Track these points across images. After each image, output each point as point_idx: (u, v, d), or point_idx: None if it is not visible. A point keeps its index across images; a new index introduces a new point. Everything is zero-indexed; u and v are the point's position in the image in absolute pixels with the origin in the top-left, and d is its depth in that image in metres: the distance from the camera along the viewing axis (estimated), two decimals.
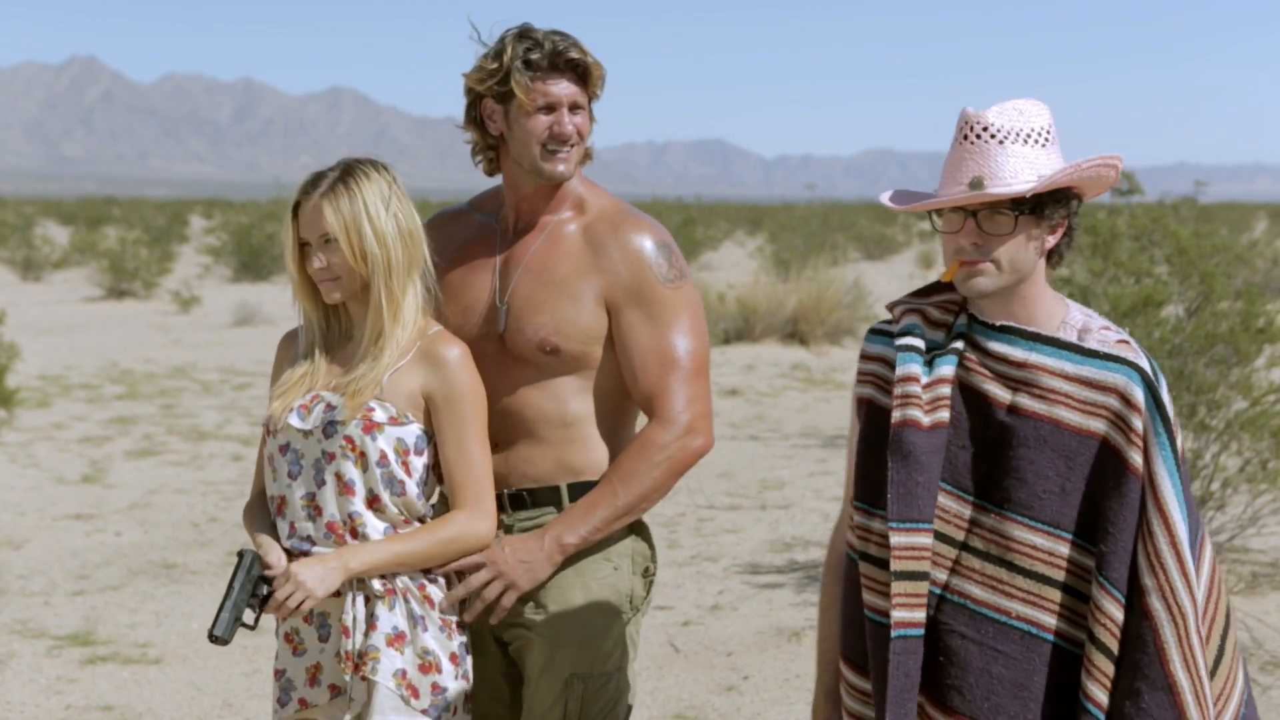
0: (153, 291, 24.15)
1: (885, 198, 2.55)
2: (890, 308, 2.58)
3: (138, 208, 58.20)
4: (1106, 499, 2.39)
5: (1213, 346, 6.84)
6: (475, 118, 3.03)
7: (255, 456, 3.14)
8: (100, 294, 24.33)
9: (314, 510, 2.92)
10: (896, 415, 2.43)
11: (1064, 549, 2.40)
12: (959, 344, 2.46)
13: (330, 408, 2.92)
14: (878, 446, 2.49)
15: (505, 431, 3.01)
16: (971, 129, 2.41)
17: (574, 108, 2.97)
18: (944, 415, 2.43)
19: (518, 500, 3.02)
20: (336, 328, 3.03)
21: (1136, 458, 2.37)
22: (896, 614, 2.39)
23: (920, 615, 2.40)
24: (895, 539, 2.39)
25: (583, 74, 2.96)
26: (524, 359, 3.00)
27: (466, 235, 3.13)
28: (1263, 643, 6.02)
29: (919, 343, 2.48)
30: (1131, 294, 6.81)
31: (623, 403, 3.05)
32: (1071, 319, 2.48)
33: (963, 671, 2.41)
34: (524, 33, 2.95)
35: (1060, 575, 2.40)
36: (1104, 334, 2.45)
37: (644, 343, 2.96)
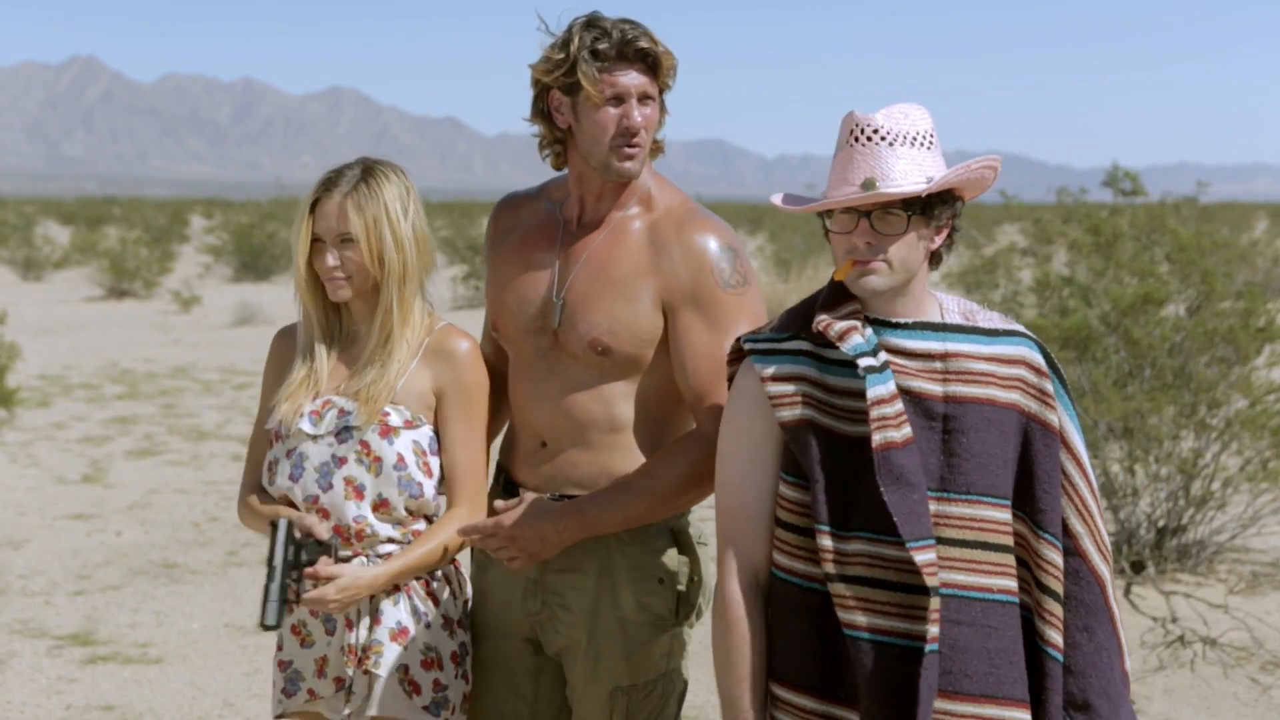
0: (153, 291, 24.15)
1: (777, 200, 2.59)
2: (824, 327, 2.51)
3: (138, 207, 58.21)
4: (1036, 462, 2.53)
5: (1213, 345, 6.84)
6: (542, 110, 2.92)
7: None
8: (101, 294, 24.33)
9: (320, 514, 2.92)
10: (877, 439, 2.43)
11: (1004, 516, 2.52)
12: (884, 356, 2.49)
13: (344, 413, 2.92)
14: (841, 469, 2.48)
15: (553, 433, 2.96)
16: (862, 131, 2.47)
17: (643, 99, 2.84)
18: (908, 430, 2.46)
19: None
20: (338, 326, 3.02)
21: (1054, 418, 2.55)
22: (933, 629, 2.42)
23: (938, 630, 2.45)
24: (920, 556, 2.41)
25: (653, 64, 2.84)
26: (576, 357, 2.92)
27: (532, 222, 3.05)
28: (1263, 642, 6.02)
29: (876, 361, 2.49)
30: (1131, 293, 6.81)
31: (672, 409, 2.96)
32: (949, 306, 2.59)
33: (965, 655, 2.47)
34: (592, 21, 2.84)
35: (1012, 543, 2.54)
36: (987, 314, 2.60)
37: (698, 347, 2.85)
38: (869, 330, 2.50)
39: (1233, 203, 65.08)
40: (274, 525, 2.81)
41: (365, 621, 2.92)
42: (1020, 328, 2.59)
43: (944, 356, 2.51)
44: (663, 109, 2.91)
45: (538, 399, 2.97)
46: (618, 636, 2.95)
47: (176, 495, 9.02)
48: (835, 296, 2.54)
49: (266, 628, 2.78)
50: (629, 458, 2.94)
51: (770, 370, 2.53)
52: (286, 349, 3.06)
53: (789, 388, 2.51)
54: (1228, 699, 5.48)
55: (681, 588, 2.99)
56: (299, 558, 2.82)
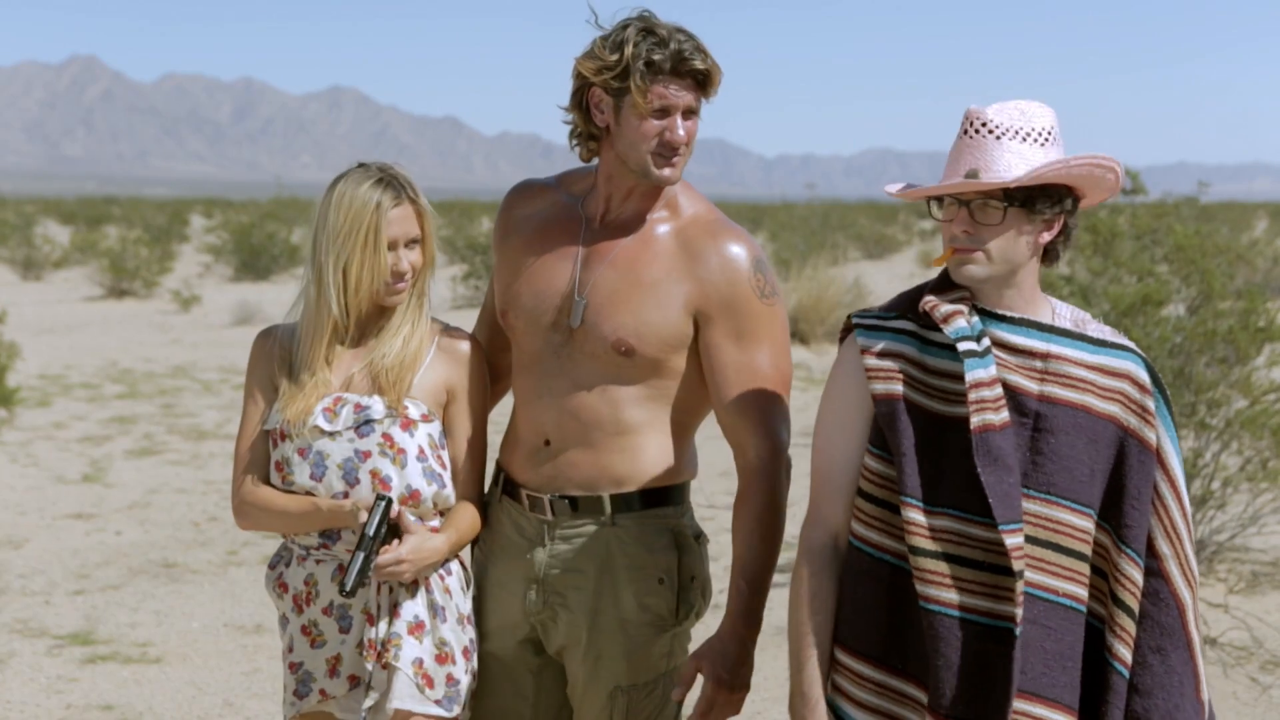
0: (153, 291, 24.14)
1: (894, 189, 2.64)
2: (930, 307, 2.57)
3: (138, 207, 58.18)
4: (1128, 476, 2.53)
5: (1213, 345, 6.84)
6: (582, 103, 2.90)
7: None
8: (100, 293, 24.32)
9: None
10: (976, 421, 2.49)
11: (1091, 527, 2.54)
12: (986, 342, 2.53)
13: (361, 408, 2.94)
14: (930, 447, 2.53)
15: (559, 432, 2.96)
16: (972, 124, 2.53)
17: (687, 113, 2.85)
18: (1006, 415, 2.51)
19: (562, 507, 2.97)
20: (341, 330, 3.02)
21: (1153, 436, 2.55)
22: (1019, 611, 2.47)
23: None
24: (1010, 540, 2.46)
25: (703, 81, 2.84)
26: (594, 356, 2.91)
27: (550, 214, 3.03)
28: (1263, 642, 6.02)
29: (979, 346, 2.53)
30: (1132, 293, 6.81)
31: (684, 417, 2.97)
32: (1061, 312, 2.61)
33: (1022, 650, 2.49)
34: (648, 28, 2.81)
35: (1089, 551, 2.54)
36: (1098, 326, 2.60)
37: (735, 358, 2.88)
38: (975, 318, 2.54)
39: (1233, 202, 65.11)
40: (380, 499, 2.84)
41: (384, 615, 2.94)
42: (1129, 343, 2.60)
43: (1045, 356, 2.54)
44: (699, 116, 2.90)
45: (545, 396, 2.96)
46: (618, 637, 2.95)
47: (176, 495, 9.02)
48: (946, 283, 2.60)
49: (345, 594, 2.82)
50: (631, 460, 2.94)
51: (870, 344, 2.59)
52: (272, 349, 3.06)
53: (886, 363, 2.58)
54: (1228, 699, 5.48)
55: (682, 586, 3.00)
56: (388, 538, 2.87)
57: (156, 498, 8.93)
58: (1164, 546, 2.56)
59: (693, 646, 3.12)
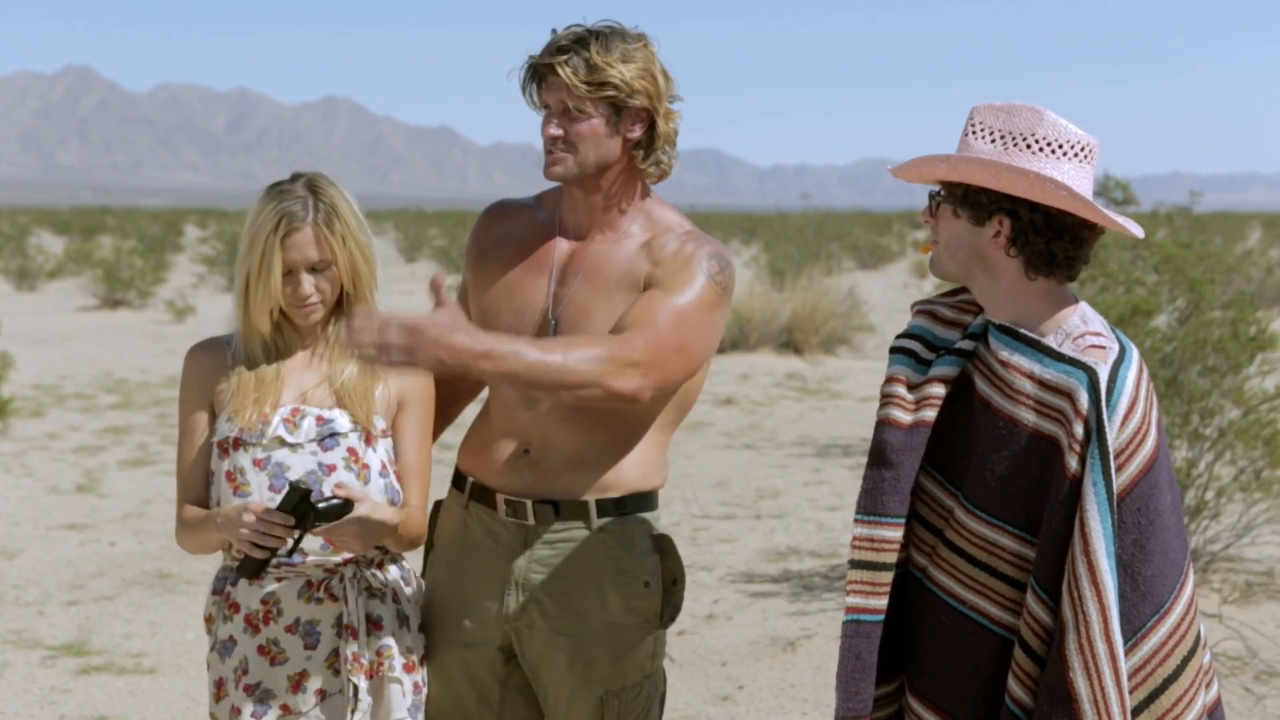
0: (147, 301, 24.12)
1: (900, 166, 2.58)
2: (912, 308, 2.62)
3: (132, 217, 58.17)
4: (1047, 504, 2.36)
5: (1204, 355, 6.86)
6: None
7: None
8: (95, 303, 24.31)
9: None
10: (879, 414, 2.51)
11: (1008, 542, 2.42)
12: (966, 343, 2.50)
13: (323, 420, 2.88)
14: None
15: (540, 440, 2.97)
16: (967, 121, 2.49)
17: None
18: (928, 415, 2.47)
19: (545, 511, 2.97)
20: (279, 340, 2.94)
21: (1073, 463, 2.34)
22: (849, 600, 2.46)
23: (875, 603, 2.46)
24: (856, 530, 2.47)
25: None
26: None
27: (525, 232, 3.06)
28: (1257, 652, 6.03)
29: (912, 345, 2.55)
30: (1122, 304, 6.83)
31: (658, 419, 3.00)
32: (1069, 324, 2.44)
33: (926, 655, 2.49)
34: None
35: (1006, 569, 2.42)
36: (1087, 339, 2.41)
37: (653, 294, 2.85)
38: (978, 319, 2.51)
39: (1226, 212, 65.35)
40: (293, 486, 2.71)
41: (365, 628, 2.89)
42: (1093, 361, 2.36)
43: (1004, 365, 2.42)
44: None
45: (526, 407, 2.97)
46: (605, 641, 2.97)
47: (170, 505, 9.01)
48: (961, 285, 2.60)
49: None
50: (615, 468, 2.96)
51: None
52: (208, 365, 2.96)
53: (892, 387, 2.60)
54: None
55: (665, 588, 3.03)
56: (314, 520, 2.76)
57: (151, 508, 8.93)
58: (1063, 585, 2.33)
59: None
